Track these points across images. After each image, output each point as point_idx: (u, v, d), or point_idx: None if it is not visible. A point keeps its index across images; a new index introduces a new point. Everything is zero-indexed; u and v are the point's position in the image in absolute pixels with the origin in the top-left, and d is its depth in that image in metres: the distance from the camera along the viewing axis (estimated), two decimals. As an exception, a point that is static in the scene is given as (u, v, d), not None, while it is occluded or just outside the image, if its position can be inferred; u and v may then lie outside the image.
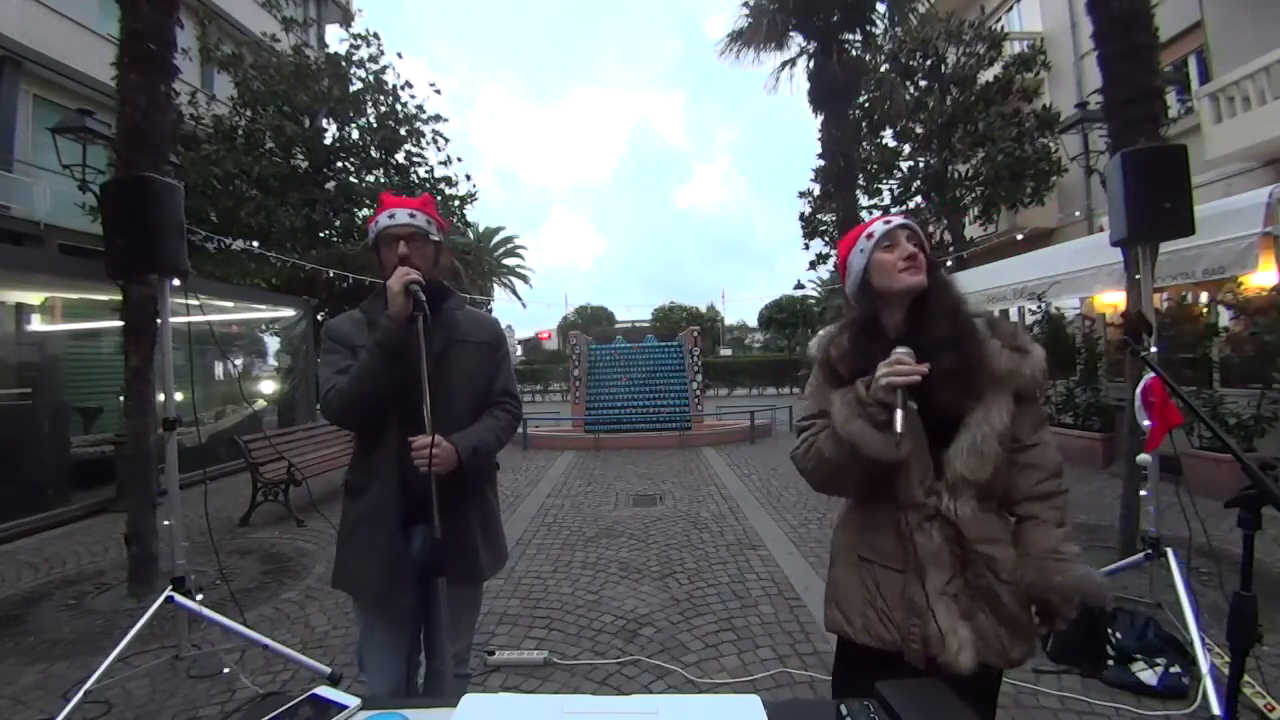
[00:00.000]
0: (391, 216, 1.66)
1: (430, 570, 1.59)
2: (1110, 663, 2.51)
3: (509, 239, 32.89)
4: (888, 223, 1.32)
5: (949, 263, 10.92)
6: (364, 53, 11.35)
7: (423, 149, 11.91)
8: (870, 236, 1.32)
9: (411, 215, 1.66)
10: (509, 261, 32.84)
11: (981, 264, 9.74)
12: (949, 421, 1.19)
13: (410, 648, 1.73)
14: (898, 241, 1.28)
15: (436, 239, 1.72)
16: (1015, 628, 1.18)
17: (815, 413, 1.31)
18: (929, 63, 11.57)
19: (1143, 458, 2.96)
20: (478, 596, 1.85)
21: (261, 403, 9.32)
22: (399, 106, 11.48)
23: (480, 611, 1.92)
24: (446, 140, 12.14)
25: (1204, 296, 6.48)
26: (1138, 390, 2.79)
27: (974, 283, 7.92)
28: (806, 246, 14.22)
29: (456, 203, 12.63)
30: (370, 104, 11.35)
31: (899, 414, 1.10)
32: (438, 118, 11.92)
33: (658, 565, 4.09)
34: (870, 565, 1.27)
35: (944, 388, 1.18)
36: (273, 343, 10.12)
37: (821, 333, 1.40)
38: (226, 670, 2.75)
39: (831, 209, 12.41)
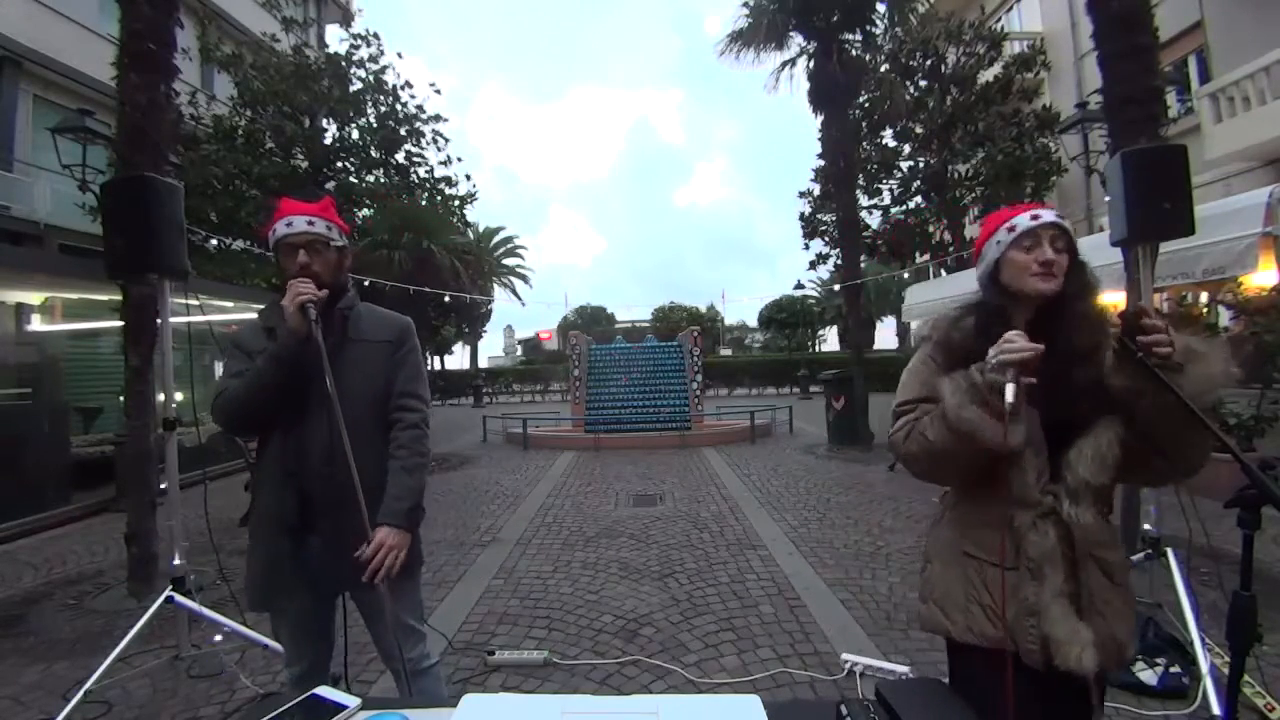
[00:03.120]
0: (289, 224, 1.59)
1: (324, 580, 1.58)
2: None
3: (509, 239, 32.87)
4: (1035, 218, 1.22)
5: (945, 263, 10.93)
6: (364, 53, 11.33)
7: (423, 149, 11.89)
8: (1011, 230, 1.24)
9: (310, 222, 1.60)
10: (509, 261, 32.81)
11: (981, 264, 9.74)
12: (1069, 424, 1.15)
13: (322, 638, 1.71)
14: (1039, 242, 1.20)
15: (339, 244, 1.67)
16: (1127, 629, 1.17)
17: (918, 397, 1.25)
18: (929, 63, 11.58)
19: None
20: (396, 598, 1.66)
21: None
22: (399, 106, 11.46)
23: (416, 608, 1.82)
24: (446, 140, 12.13)
25: (1204, 296, 6.48)
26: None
27: (974, 283, 7.91)
28: (806, 246, 14.19)
29: (456, 203, 12.63)
30: (370, 104, 11.33)
31: (1009, 388, 1.05)
32: (438, 118, 11.91)
33: (658, 565, 4.09)
34: (975, 562, 1.22)
35: (1080, 401, 1.13)
36: (273, 343, 10.12)
37: (940, 315, 1.33)
38: (226, 671, 2.75)
39: (831, 209, 12.39)
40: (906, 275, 13.18)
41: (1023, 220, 1.23)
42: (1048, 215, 1.22)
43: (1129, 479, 1.24)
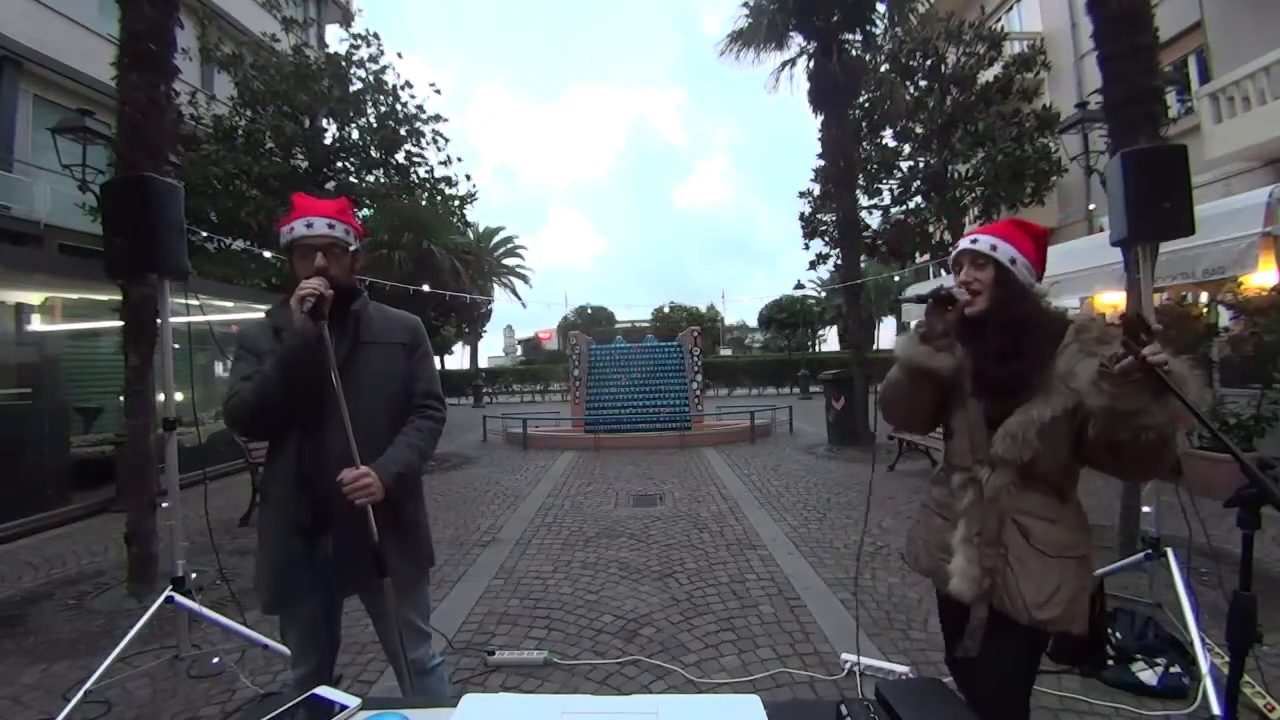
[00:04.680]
0: (309, 225, 1.57)
1: (338, 580, 1.57)
2: (1110, 663, 2.51)
3: (509, 239, 32.86)
4: (956, 248, 1.49)
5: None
6: (364, 53, 11.35)
7: (423, 149, 11.91)
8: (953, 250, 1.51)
9: (330, 225, 1.59)
10: (509, 261, 32.79)
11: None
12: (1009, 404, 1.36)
13: (329, 638, 1.71)
14: (961, 264, 1.46)
15: (354, 248, 1.67)
16: (1039, 589, 1.30)
17: None
18: (929, 63, 11.57)
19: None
20: (406, 599, 1.70)
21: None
22: (399, 106, 11.47)
23: (424, 609, 1.82)
24: (446, 140, 12.15)
25: (1204, 296, 6.47)
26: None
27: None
28: (806, 246, 14.17)
29: (456, 203, 12.64)
30: (370, 104, 11.34)
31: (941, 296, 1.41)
32: (438, 118, 11.93)
33: (658, 565, 4.09)
34: (929, 511, 1.58)
35: (993, 397, 1.37)
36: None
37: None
38: (224, 669, 2.75)
39: (831, 209, 12.38)
40: (906, 275, 13.18)
41: (960, 244, 1.49)
42: (963, 243, 1.47)
43: (1096, 466, 1.32)
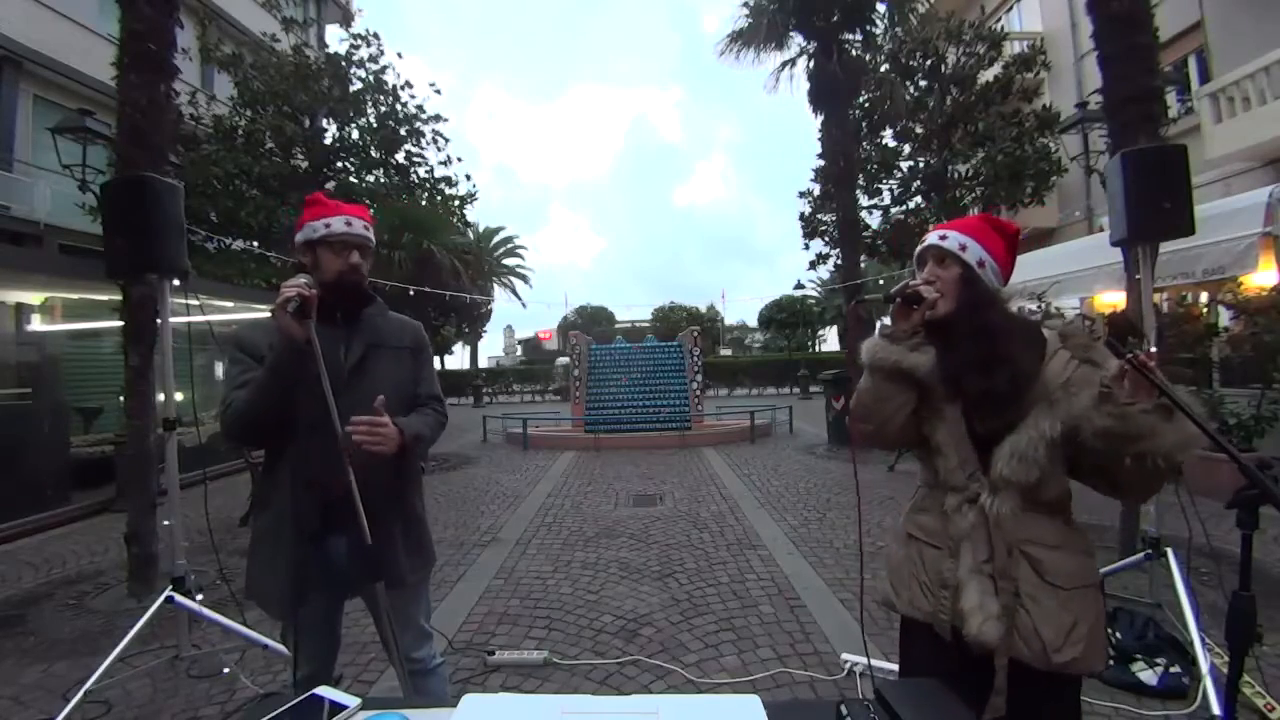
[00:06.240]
0: (349, 224, 1.61)
1: (348, 581, 1.58)
2: (1110, 663, 2.51)
3: (509, 239, 32.87)
4: (922, 243, 1.37)
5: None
6: (364, 53, 11.34)
7: (423, 149, 11.89)
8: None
9: (366, 226, 1.65)
10: (509, 261, 32.81)
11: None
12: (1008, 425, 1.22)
13: (330, 639, 1.73)
14: (924, 261, 1.36)
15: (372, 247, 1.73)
16: (1057, 630, 1.17)
17: None
18: (929, 63, 11.56)
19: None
20: (411, 598, 1.74)
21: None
22: (399, 106, 11.47)
23: (426, 608, 1.84)
24: (446, 140, 12.14)
25: (1204, 296, 6.48)
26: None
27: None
28: (806, 246, 14.16)
29: (456, 203, 12.62)
30: (370, 104, 11.33)
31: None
32: (438, 118, 11.91)
33: (658, 565, 4.09)
34: (917, 542, 1.35)
35: (977, 413, 1.24)
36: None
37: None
38: (226, 670, 2.75)
39: (831, 209, 12.38)
40: (906, 275, 13.18)
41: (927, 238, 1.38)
42: (931, 238, 1.36)
43: (1083, 481, 1.26)
